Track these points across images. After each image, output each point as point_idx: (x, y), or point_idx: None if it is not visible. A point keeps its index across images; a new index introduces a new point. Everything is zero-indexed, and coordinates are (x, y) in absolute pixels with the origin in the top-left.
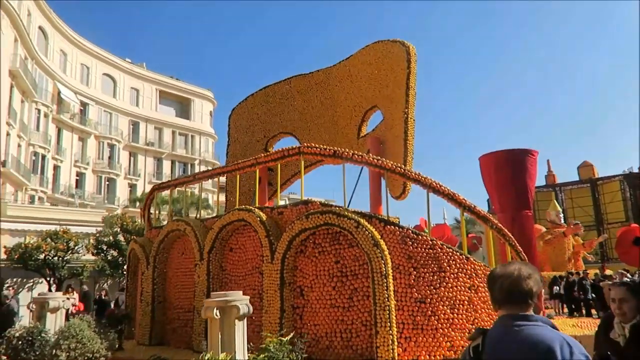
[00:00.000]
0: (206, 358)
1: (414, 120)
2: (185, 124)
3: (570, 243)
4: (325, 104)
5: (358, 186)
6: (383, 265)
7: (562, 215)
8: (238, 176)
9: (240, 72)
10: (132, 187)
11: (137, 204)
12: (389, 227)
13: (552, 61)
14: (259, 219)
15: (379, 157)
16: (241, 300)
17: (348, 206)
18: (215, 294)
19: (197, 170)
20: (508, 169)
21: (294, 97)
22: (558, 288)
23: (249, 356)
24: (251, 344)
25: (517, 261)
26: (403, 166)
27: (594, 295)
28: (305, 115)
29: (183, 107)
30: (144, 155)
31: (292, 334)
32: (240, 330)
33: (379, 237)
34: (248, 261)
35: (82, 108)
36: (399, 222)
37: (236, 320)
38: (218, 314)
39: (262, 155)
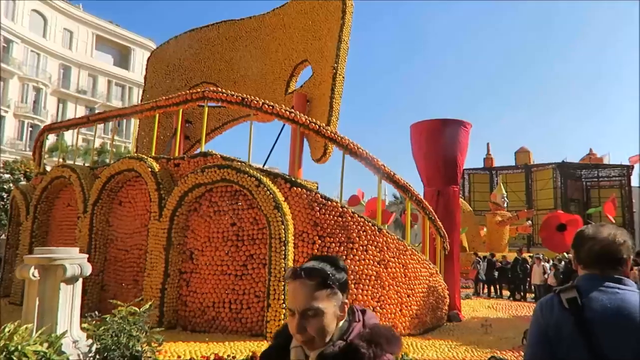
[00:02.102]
0: (5, 330)
1: (343, 77)
2: (123, 74)
3: (508, 227)
4: (255, 55)
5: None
6: (283, 231)
7: (506, 199)
8: (156, 125)
9: (185, 23)
10: (58, 137)
11: (53, 153)
12: (295, 189)
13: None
14: (150, 169)
15: (292, 110)
16: (72, 259)
17: (264, 165)
18: (40, 249)
19: (132, 123)
20: (438, 140)
21: (222, 45)
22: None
23: (85, 327)
24: (96, 313)
25: (611, 225)
26: (319, 122)
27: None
28: (232, 66)
29: (122, 56)
30: (74, 103)
31: (149, 304)
32: (68, 295)
33: (283, 199)
34: (137, 217)
35: (5, 45)
36: (317, 187)
37: (62, 284)
38: (36, 274)
39: (163, 98)
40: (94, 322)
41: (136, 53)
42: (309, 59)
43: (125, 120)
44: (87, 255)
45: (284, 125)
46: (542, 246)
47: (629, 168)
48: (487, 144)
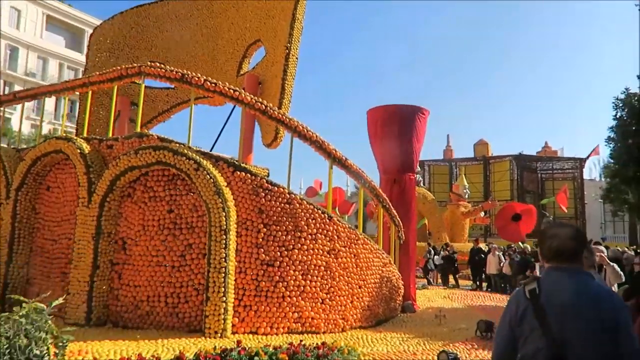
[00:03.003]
0: None
1: (296, 58)
2: (76, 57)
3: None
4: (206, 35)
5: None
6: (224, 219)
7: (467, 190)
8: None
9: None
10: (7, 120)
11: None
12: (239, 173)
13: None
14: (79, 150)
15: (237, 89)
16: None
17: (211, 150)
18: None
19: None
20: (394, 126)
21: (171, 22)
22: (435, 258)
23: None
24: None
25: (569, 224)
26: (265, 102)
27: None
28: (182, 45)
29: (75, 38)
30: (22, 86)
31: (61, 299)
32: None
33: (225, 184)
34: (66, 204)
35: None
36: (267, 174)
37: None
38: None
39: (97, 73)
40: None
41: (89, 35)
42: (262, 38)
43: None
44: None
45: (233, 107)
46: (498, 236)
47: (582, 161)
48: (447, 135)
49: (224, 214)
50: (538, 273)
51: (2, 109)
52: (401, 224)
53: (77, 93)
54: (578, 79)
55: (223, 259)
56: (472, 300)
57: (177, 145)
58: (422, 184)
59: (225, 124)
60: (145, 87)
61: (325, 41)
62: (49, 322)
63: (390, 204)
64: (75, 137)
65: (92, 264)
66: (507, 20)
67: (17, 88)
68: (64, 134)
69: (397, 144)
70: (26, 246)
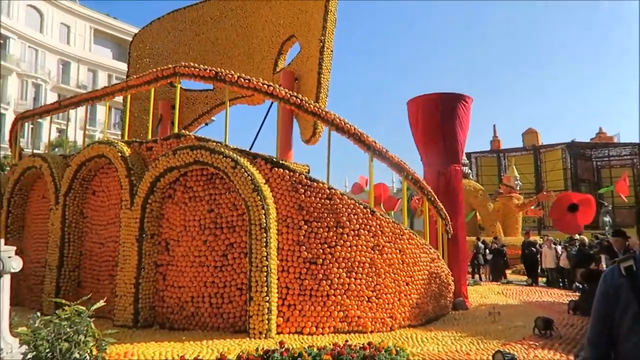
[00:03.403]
0: None
1: (331, 50)
2: (123, 67)
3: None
4: (241, 34)
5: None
6: (264, 217)
7: (519, 181)
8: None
9: None
10: (61, 132)
11: (57, 150)
12: (277, 170)
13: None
14: (120, 154)
15: (271, 84)
16: None
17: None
18: None
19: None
20: (437, 116)
21: (206, 25)
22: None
23: (19, 332)
24: (38, 314)
25: None
26: (300, 96)
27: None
28: (218, 46)
29: (121, 50)
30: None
31: (102, 302)
32: None
33: (263, 181)
34: (111, 207)
35: (1, 42)
36: (308, 171)
37: None
38: None
39: (134, 77)
40: (35, 324)
41: None
42: (296, 34)
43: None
44: (13, 248)
45: (270, 105)
46: (553, 229)
47: None
48: (494, 125)
49: (264, 211)
50: (604, 266)
51: (42, 119)
52: (448, 217)
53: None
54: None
55: (264, 258)
56: (528, 296)
57: (214, 144)
58: (470, 176)
59: (263, 122)
60: (185, 90)
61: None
62: (91, 324)
63: (435, 197)
64: (117, 141)
65: (136, 266)
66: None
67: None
68: (106, 139)
69: (439, 134)
70: (76, 250)
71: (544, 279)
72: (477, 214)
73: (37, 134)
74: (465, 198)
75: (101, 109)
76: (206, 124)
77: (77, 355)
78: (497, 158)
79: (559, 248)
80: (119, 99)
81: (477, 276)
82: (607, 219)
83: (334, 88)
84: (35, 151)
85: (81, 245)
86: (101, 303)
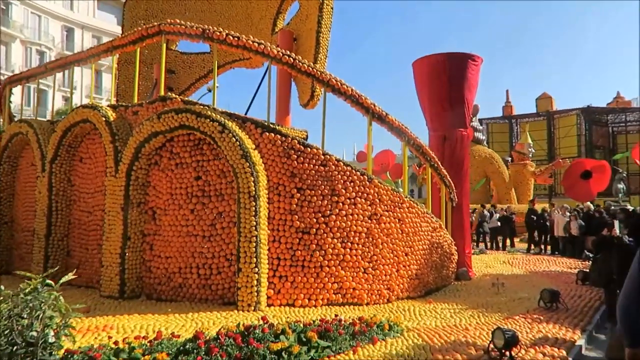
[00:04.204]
0: None
1: (331, 7)
2: None
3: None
4: None
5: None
6: (253, 184)
7: (532, 149)
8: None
9: None
10: (67, 100)
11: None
12: (268, 134)
13: None
14: (104, 119)
15: (262, 42)
16: None
17: (246, 114)
18: None
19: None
20: (444, 77)
21: None
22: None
23: None
24: (1, 287)
25: None
26: (294, 55)
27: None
28: (215, 6)
29: None
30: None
31: (71, 275)
32: None
33: (253, 146)
34: (98, 175)
35: (3, 7)
36: (306, 136)
37: None
38: None
39: (117, 37)
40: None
41: None
42: None
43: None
44: None
45: (267, 68)
46: (564, 196)
47: None
48: (506, 91)
49: (252, 178)
50: (618, 232)
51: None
52: (452, 184)
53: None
54: None
55: (254, 227)
56: (535, 265)
57: (201, 107)
58: (484, 143)
59: (259, 85)
60: (181, 53)
61: None
62: (59, 298)
63: (439, 163)
64: (102, 105)
65: (122, 235)
66: None
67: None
68: (91, 103)
69: (446, 96)
70: (64, 219)
71: (537, 247)
72: (491, 181)
73: (42, 102)
74: (480, 165)
75: (107, 77)
76: (209, 90)
77: (34, 333)
78: (509, 124)
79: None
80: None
81: (482, 245)
82: (621, 185)
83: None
84: (40, 118)
85: (69, 214)
86: (71, 276)
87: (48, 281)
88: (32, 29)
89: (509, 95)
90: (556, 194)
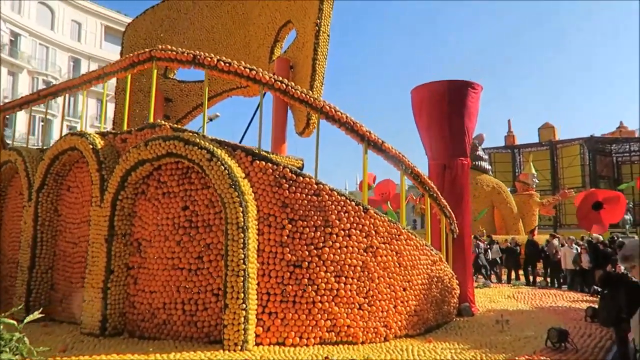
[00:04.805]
0: None
1: (327, 35)
2: None
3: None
4: (237, 22)
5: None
6: (241, 214)
7: (535, 179)
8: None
9: None
10: (72, 129)
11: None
12: (258, 163)
13: (523, 16)
14: (91, 146)
15: (254, 68)
16: None
17: (241, 142)
18: None
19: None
20: (443, 104)
21: (202, 13)
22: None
23: None
24: None
25: None
26: (286, 81)
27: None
28: (214, 35)
29: None
30: (86, 96)
31: (36, 314)
32: None
33: (242, 175)
34: (85, 204)
35: (12, 39)
36: (302, 165)
37: None
38: None
39: (109, 64)
40: None
41: None
42: (293, 19)
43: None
44: None
45: (262, 95)
46: (569, 227)
47: None
48: (509, 120)
49: (241, 209)
50: (622, 269)
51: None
52: (453, 215)
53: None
54: None
55: (242, 261)
56: (541, 300)
57: (190, 134)
58: (490, 172)
59: (255, 112)
60: (179, 81)
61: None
62: (24, 340)
63: (438, 193)
64: (90, 132)
65: (105, 268)
66: None
67: (80, 98)
68: (80, 130)
69: (446, 124)
70: (49, 250)
71: (543, 280)
72: (495, 211)
73: (47, 132)
74: (488, 195)
75: (111, 106)
76: (211, 120)
77: None
78: (511, 154)
79: (577, 248)
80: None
81: (482, 278)
82: (627, 216)
83: (337, 79)
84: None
85: (55, 245)
86: (36, 315)
87: (8, 320)
88: (40, 60)
89: (510, 124)
90: (561, 225)
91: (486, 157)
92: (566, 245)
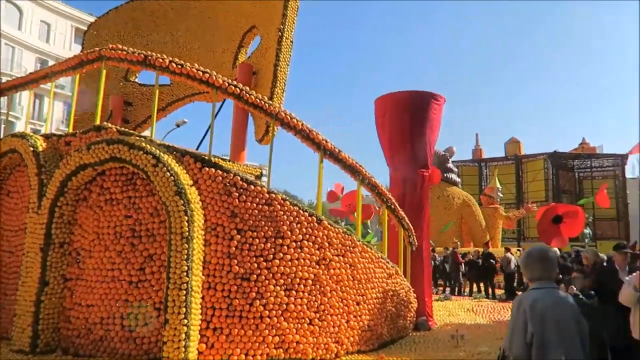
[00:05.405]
0: None
1: (291, 41)
2: None
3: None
4: (202, 26)
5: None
6: (186, 224)
7: (500, 193)
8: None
9: None
10: (36, 133)
11: None
12: (208, 170)
13: (494, 36)
14: (32, 149)
15: (207, 70)
16: None
17: (197, 148)
18: None
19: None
20: (406, 115)
21: (167, 15)
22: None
23: None
24: None
25: None
26: (241, 86)
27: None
28: (179, 39)
29: None
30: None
31: None
32: None
33: (190, 183)
34: (24, 210)
35: None
36: (260, 174)
37: None
38: None
39: (57, 63)
40: None
41: None
42: (257, 24)
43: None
44: None
45: (223, 102)
46: (532, 241)
47: (623, 158)
48: (476, 134)
49: (186, 218)
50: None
51: None
52: (412, 227)
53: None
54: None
55: (185, 273)
56: (500, 314)
57: (136, 138)
58: (460, 185)
59: (213, 119)
60: (140, 84)
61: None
62: None
63: (396, 205)
64: (31, 134)
65: (39, 280)
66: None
67: (46, 100)
68: (21, 132)
69: (407, 136)
70: None
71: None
72: (463, 224)
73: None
74: (459, 208)
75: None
76: (177, 126)
77: None
78: (478, 167)
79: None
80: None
81: (448, 290)
82: (587, 230)
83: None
84: None
85: None
86: None
87: None
88: (5, 60)
89: (478, 138)
90: (525, 238)
91: (456, 170)
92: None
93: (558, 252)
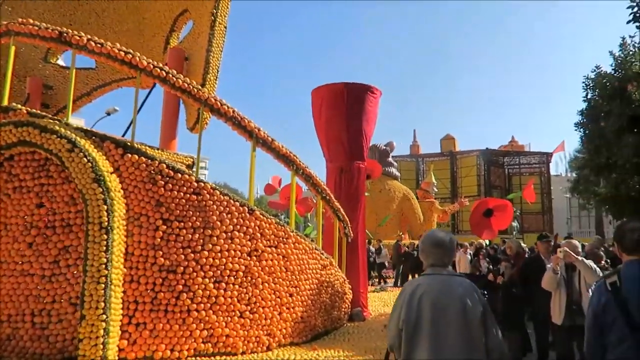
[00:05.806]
0: None
1: (224, 27)
2: None
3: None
4: (131, 7)
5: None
6: (105, 213)
7: (435, 187)
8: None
9: None
10: None
11: None
12: (130, 156)
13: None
14: None
15: (130, 51)
16: None
17: (124, 135)
18: None
19: None
20: (342, 107)
21: None
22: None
23: None
24: None
25: None
26: (167, 69)
27: None
28: (104, 19)
29: None
30: None
31: None
32: None
33: (110, 169)
34: None
35: None
36: (192, 163)
37: None
38: None
39: None
40: None
41: None
42: (190, 8)
43: None
44: None
45: (152, 87)
46: (465, 234)
47: (548, 156)
48: (414, 130)
49: (106, 207)
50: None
51: None
52: (347, 219)
53: None
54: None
55: (103, 266)
56: None
57: (48, 121)
58: (399, 179)
59: (142, 105)
60: (62, 67)
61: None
62: None
63: (331, 196)
64: None
65: None
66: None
67: None
68: None
69: (344, 127)
70: None
71: None
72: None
73: None
74: (399, 202)
75: None
76: (108, 114)
77: None
78: (415, 162)
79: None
80: None
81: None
82: (514, 224)
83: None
84: None
85: None
86: None
87: None
88: None
89: (415, 134)
90: (458, 231)
91: (395, 164)
92: (460, 250)
93: (455, 238)
